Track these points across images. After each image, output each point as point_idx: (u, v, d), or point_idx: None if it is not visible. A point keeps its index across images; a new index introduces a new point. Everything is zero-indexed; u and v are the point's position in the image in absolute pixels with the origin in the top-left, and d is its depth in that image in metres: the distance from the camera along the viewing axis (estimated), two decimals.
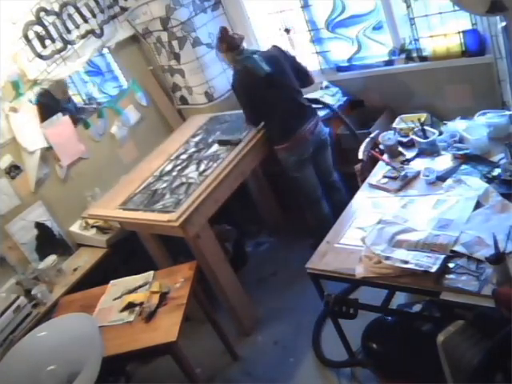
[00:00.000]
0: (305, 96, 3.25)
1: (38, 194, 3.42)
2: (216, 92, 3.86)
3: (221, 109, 3.83)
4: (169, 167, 3.37)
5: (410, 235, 2.15)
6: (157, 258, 3.44)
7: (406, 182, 2.56)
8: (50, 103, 3.48)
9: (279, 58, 3.08)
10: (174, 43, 3.69)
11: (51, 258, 3.28)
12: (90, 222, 3.45)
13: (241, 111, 3.60)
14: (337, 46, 3.51)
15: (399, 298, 2.65)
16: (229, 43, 3.05)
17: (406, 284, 2.04)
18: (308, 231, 3.38)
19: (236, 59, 3.06)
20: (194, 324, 3.23)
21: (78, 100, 4.15)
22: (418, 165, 2.63)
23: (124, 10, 3.74)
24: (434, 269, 1.94)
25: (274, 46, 3.16)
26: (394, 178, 2.60)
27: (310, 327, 3.03)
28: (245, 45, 3.11)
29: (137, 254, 3.47)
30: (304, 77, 3.20)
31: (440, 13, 2.95)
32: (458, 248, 2.00)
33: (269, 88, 2.99)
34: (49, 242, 3.43)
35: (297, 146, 3.09)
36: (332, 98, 3.49)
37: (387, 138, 2.80)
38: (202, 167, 3.16)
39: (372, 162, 2.84)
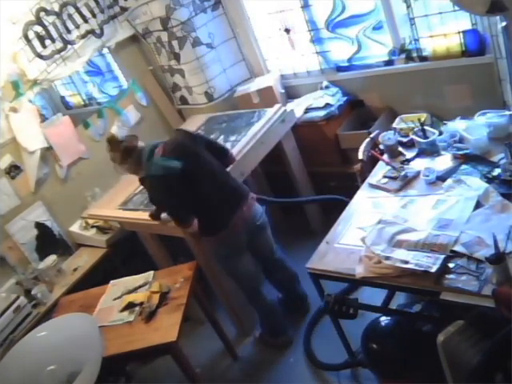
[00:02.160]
0: None
1: (38, 194, 3.42)
2: (216, 92, 3.86)
3: (221, 109, 3.83)
4: None
5: (409, 235, 2.15)
6: (157, 257, 3.44)
7: (406, 182, 2.56)
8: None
9: (186, 145, 2.62)
10: (174, 43, 3.69)
11: (51, 258, 3.28)
12: (90, 221, 3.45)
13: (241, 111, 3.61)
14: (337, 45, 3.51)
15: (399, 298, 2.65)
16: (122, 151, 2.55)
17: (406, 284, 2.04)
18: (311, 231, 3.33)
19: (138, 166, 2.57)
20: (193, 324, 3.23)
21: (77, 100, 4.17)
22: (418, 165, 2.63)
23: (124, 9, 3.74)
24: (433, 269, 1.94)
25: (178, 130, 2.81)
26: (394, 178, 2.60)
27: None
28: (141, 143, 2.61)
29: (137, 254, 3.48)
30: (222, 156, 2.76)
31: (440, 13, 2.95)
32: (457, 248, 2.00)
33: (190, 183, 2.52)
34: (49, 242, 3.44)
35: (229, 238, 2.68)
36: (332, 97, 3.49)
37: (387, 137, 2.80)
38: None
39: (372, 161, 2.84)
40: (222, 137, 3.40)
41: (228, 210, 2.66)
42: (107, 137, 2.67)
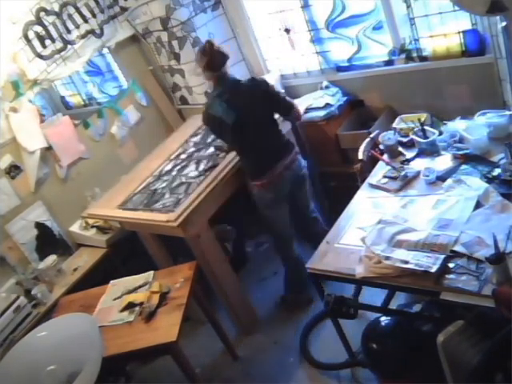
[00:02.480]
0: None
1: (38, 194, 3.42)
2: None
3: None
4: (168, 167, 3.37)
5: (409, 235, 2.15)
6: (157, 257, 3.44)
7: (406, 182, 2.56)
8: None
9: (250, 97, 2.79)
10: (174, 43, 3.69)
11: (51, 258, 3.28)
12: (90, 221, 3.45)
13: None
14: (337, 45, 3.51)
15: (399, 298, 2.65)
16: (208, 61, 2.70)
17: (406, 284, 2.04)
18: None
19: (212, 92, 2.83)
20: (193, 324, 3.23)
21: (77, 100, 4.17)
22: (418, 165, 2.63)
23: (124, 9, 3.74)
24: (433, 269, 1.94)
25: (252, 79, 2.91)
26: (394, 178, 2.60)
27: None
28: (227, 68, 2.78)
29: (137, 254, 3.48)
30: (287, 111, 2.96)
31: (440, 13, 2.95)
32: (458, 248, 2.00)
33: (239, 132, 2.78)
34: (49, 242, 3.44)
35: (273, 184, 2.88)
36: (332, 97, 3.49)
37: (387, 137, 2.80)
38: (202, 167, 3.16)
39: (372, 161, 2.84)
40: None
41: (273, 158, 2.86)
42: (208, 40, 2.83)
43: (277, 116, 2.97)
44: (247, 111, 2.77)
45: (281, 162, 2.87)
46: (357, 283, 2.21)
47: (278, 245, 3.17)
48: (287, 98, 2.98)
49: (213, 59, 2.70)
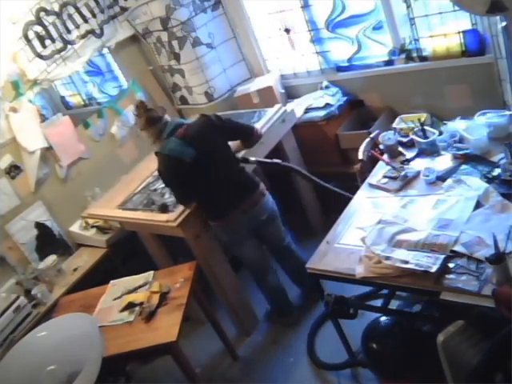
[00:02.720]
0: (239, 155, 2.90)
1: (38, 194, 3.42)
2: (216, 92, 3.86)
3: (221, 109, 3.83)
4: None
5: (409, 235, 2.15)
6: (157, 257, 3.44)
7: (406, 182, 2.56)
8: None
9: (205, 132, 2.67)
10: (174, 43, 3.69)
11: (51, 258, 3.28)
12: (90, 221, 3.45)
13: (241, 111, 3.61)
14: (337, 45, 3.51)
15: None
16: (147, 119, 2.65)
17: (406, 284, 2.03)
18: (311, 231, 3.36)
19: (158, 138, 2.66)
20: (193, 324, 3.23)
21: (77, 100, 4.17)
22: (418, 165, 2.63)
23: (124, 9, 3.74)
24: (433, 269, 1.94)
25: (203, 116, 2.75)
26: (394, 178, 2.60)
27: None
28: (167, 117, 2.73)
29: (137, 254, 3.48)
30: (247, 137, 2.84)
31: (440, 13, 2.95)
32: (458, 248, 2.00)
33: (198, 171, 2.62)
34: (49, 242, 3.43)
35: (229, 226, 2.79)
36: (332, 97, 3.49)
37: (387, 137, 2.80)
38: None
39: (372, 161, 2.84)
40: None
41: (231, 201, 2.73)
42: (136, 102, 2.79)
43: (236, 148, 2.86)
44: (207, 149, 2.64)
45: (238, 206, 2.73)
46: (357, 283, 2.21)
47: (253, 277, 3.08)
48: (244, 124, 2.92)
49: (149, 116, 2.66)
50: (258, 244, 2.98)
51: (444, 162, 2.57)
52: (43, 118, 3.47)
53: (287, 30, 3.68)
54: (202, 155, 2.60)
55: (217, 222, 2.80)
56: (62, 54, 3.44)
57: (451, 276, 1.93)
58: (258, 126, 3.03)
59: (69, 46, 3.46)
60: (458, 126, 2.67)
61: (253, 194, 2.78)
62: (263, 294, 3.14)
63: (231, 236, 2.86)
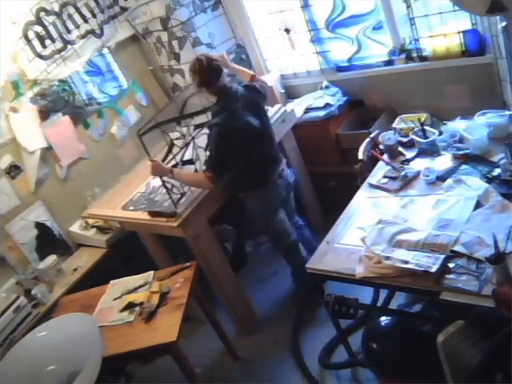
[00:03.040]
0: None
1: (38, 194, 3.41)
2: None
3: None
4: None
5: (409, 235, 2.15)
6: (157, 258, 3.44)
7: (406, 182, 2.56)
8: None
9: (260, 103, 2.82)
10: (174, 43, 3.69)
11: (51, 258, 3.28)
12: (90, 221, 3.45)
13: None
14: (337, 45, 3.51)
15: (399, 298, 2.66)
16: (205, 77, 2.58)
17: (406, 284, 2.04)
18: (311, 231, 3.36)
19: (217, 104, 2.65)
20: (194, 324, 3.23)
21: (77, 100, 4.16)
22: (418, 165, 2.63)
23: (124, 9, 3.74)
24: (433, 269, 1.94)
25: (248, 86, 2.80)
26: (394, 178, 2.60)
27: (310, 327, 3.04)
28: (227, 78, 2.69)
29: (137, 254, 3.48)
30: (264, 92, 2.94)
31: (440, 13, 2.95)
32: (458, 248, 2.00)
33: (261, 140, 2.75)
34: (49, 241, 3.43)
35: (272, 192, 2.89)
36: (332, 97, 3.49)
37: (387, 137, 2.80)
38: (203, 167, 3.15)
39: (372, 161, 2.84)
40: None
41: (270, 168, 2.88)
42: (197, 57, 2.64)
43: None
44: (263, 119, 2.79)
45: (276, 171, 2.89)
46: (357, 283, 2.21)
47: (284, 249, 3.13)
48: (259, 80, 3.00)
49: (205, 76, 2.59)
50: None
51: (444, 161, 2.57)
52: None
53: (287, 30, 3.68)
54: (263, 126, 2.76)
55: (258, 190, 2.86)
56: (62, 54, 3.43)
57: (451, 276, 1.93)
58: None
59: (69, 46, 3.46)
60: (458, 126, 2.67)
61: (282, 160, 2.98)
62: (296, 266, 3.14)
63: (269, 203, 2.90)
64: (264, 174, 2.86)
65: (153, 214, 2.88)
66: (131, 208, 3.12)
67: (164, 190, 3.09)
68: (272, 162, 2.89)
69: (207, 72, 2.58)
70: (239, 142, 2.64)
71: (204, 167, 2.74)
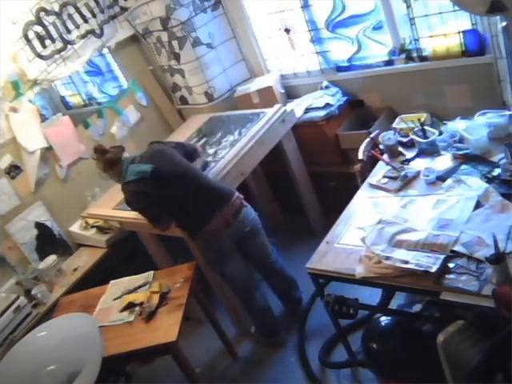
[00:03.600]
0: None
1: (38, 194, 3.42)
2: (216, 92, 3.86)
3: (221, 109, 3.83)
4: None
5: (409, 235, 2.15)
6: (157, 257, 3.44)
7: (406, 182, 2.56)
8: None
9: (160, 151, 2.74)
10: (174, 43, 3.69)
11: (51, 258, 3.28)
12: (90, 221, 3.45)
13: (241, 111, 3.60)
14: (337, 45, 3.51)
15: (399, 298, 2.65)
16: (106, 161, 2.72)
17: (406, 284, 2.03)
18: (311, 231, 3.35)
19: (120, 177, 2.70)
20: (193, 324, 3.23)
21: (77, 100, 4.17)
22: (418, 165, 2.63)
23: (124, 9, 3.74)
24: (433, 269, 1.94)
25: (153, 143, 2.83)
26: (394, 178, 2.60)
27: (310, 327, 3.04)
28: (126, 154, 2.80)
29: (137, 254, 3.48)
30: (193, 155, 2.89)
31: (440, 13, 2.95)
32: (458, 248, 2.00)
33: (162, 186, 2.59)
34: (49, 241, 3.43)
35: (212, 240, 2.67)
36: (332, 97, 3.49)
37: (387, 137, 2.80)
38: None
39: (372, 161, 2.84)
40: (221, 137, 3.40)
41: (207, 212, 2.64)
42: (94, 145, 2.83)
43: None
44: (162, 161, 2.66)
45: (215, 215, 2.63)
46: (357, 283, 2.21)
47: (240, 298, 2.95)
48: (188, 144, 3.05)
49: (107, 159, 2.73)
50: (245, 262, 2.86)
51: (444, 161, 2.57)
52: (43, 118, 3.47)
53: (287, 30, 3.68)
54: (161, 167, 2.62)
55: (200, 236, 2.66)
56: (62, 53, 3.44)
57: (451, 276, 1.93)
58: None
59: (69, 46, 3.46)
60: (458, 126, 2.67)
61: (229, 201, 2.69)
62: (250, 315, 3.02)
63: (217, 252, 2.71)
64: (199, 218, 2.64)
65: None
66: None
67: None
68: (204, 203, 2.64)
69: (106, 157, 2.74)
70: (139, 192, 2.61)
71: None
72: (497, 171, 2.31)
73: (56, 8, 3.37)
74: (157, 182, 2.59)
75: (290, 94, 3.84)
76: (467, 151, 2.51)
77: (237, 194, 2.77)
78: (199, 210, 2.65)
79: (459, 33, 2.94)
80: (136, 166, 2.64)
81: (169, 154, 2.72)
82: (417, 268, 1.98)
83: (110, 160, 2.72)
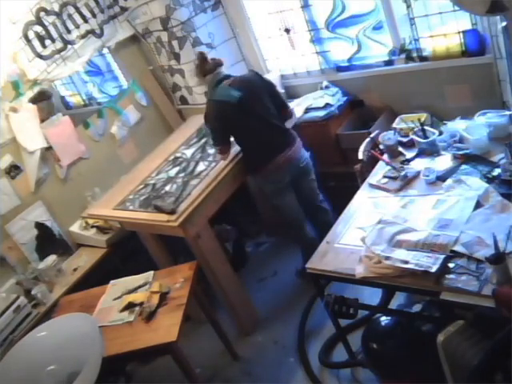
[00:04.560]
0: None
1: (38, 194, 3.42)
2: None
3: None
4: (168, 167, 3.37)
5: (409, 235, 2.15)
6: (157, 257, 3.44)
7: (406, 182, 2.56)
8: None
9: (254, 83, 2.94)
10: (174, 43, 3.69)
11: (51, 258, 3.28)
12: (90, 221, 3.45)
13: None
14: (337, 45, 3.51)
15: (399, 298, 2.66)
16: (203, 69, 2.99)
17: (406, 284, 2.04)
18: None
19: (211, 86, 2.96)
20: (193, 324, 3.23)
21: (77, 100, 4.17)
22: (418, 165, 2.64)
23: (124, 9, 3.74)
24: (433, 269, 1.94)
25: (251, 71, 3.12)
26: (394, 178, 2.60)
27: (310, 327, 3.04)
28: (223, 69, 3.01)
29: (137, 254, 3.48)
30: (279, 108, 3.02)
31: (440, 13, 2.95)
32: (458, 248, 2.00)
33: (243, 114, 2.86)
34: (49, 242, 3.43)
35: (272, 174, 2.97)
36: (332, 97, 3.49)
37: (387, 138, 2.80)
38: (202, 167, 3.16)
39: (372, 161, 2.84)
40: None
41: (273, 149, 2.94)
42: (199, 51, 3.15)
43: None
44: (252, 95, 2.88)
45: (282, 153, 2.93)
46: (357, 283, 2.21)
47: (289, 230, 3.23)
48: (281, 97, 3.13)
49: (209, 66, 2.97)
50: (296, 196, 3.13)
51: (444, 161, 2.57)
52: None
53: (287, 30, 3.67)
54: (247, 98, 2.85)
55: (261, 171, 2.97)
56: (62, 53, 3.44)
57: (451, 276, 1.93)
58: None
59: (69, 46, 3.46)
60: (457, 126, 2.67)
61: (293, 144, 3.00)
62: (301, 247, 3.23)
63: (275, 186, 3.01)
64: (265, 157, 2.93)
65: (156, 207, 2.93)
66: (130, 207, 3.12)
67: (164, 190, 3.11)
68: (273, 142, 2.93)
69: (208, 61, 3.00)
70: (218, 115, 2.88)
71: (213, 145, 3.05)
72: (497, 171, 2.31)
73: (56, 8, 3.37)
74: (240, 109, 2.84)
75: (290, 93, 3.84)
76: (467, 151, 2.51)
77: (299, 140, 3.07)
78: (269, 147, 2.93)
79: (459, 33, 2.94)
80: (226, 88, 2.87)
81: (259, 90, 2.93)
82: (417, 268, 1.98)
83: (206, 69, 2.97)
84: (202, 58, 3.00)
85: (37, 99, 3.22)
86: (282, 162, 2.93)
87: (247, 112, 2.86)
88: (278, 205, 3.11)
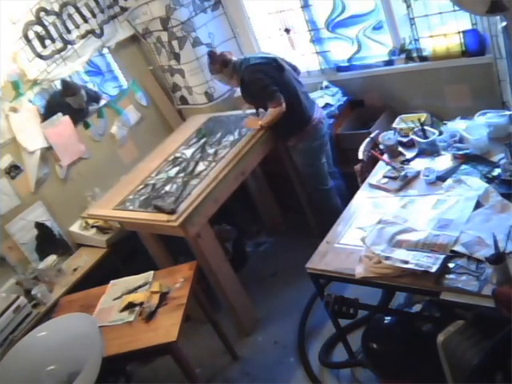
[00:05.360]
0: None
1: (38, 194, 3.41)
2: (216, 92, 3.86)
3: (221, 109, 3.84)
4: (168, 167, 3.37)
5: (409, 235, 2.15)
6: (157, 257, 3.44)
7: (406, 182, 2.56)
8: None
9: (275, 57, 3.18)
10: (174, 43, 3.69)
11: (51, 258, 3.28)
12: (90, 221, 3.45)
13: (240, 112, 3.59)
14: (337, 45, 3.51)
15: (399, 298, 2.66)
16: (221, 61, 3.15)
17: (406, 284, 2.04)
18: (310, 231, 3.36)
19: (234, 70, 3.15)
20: (194, 324, 3.23)
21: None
22: (418, 165, 2.63)
23: (124, 9, 3.74)
24: (433, 269, 1.94)
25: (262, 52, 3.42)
26: (394, 178, 2.60)
27: (310, 327, 3.04)
28: (234, 58, 3.18)
29: (137, 254, 3.48)
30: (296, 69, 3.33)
31: (440, 13, 2.95)
32: (458, 248, 2.00)
33: (282, 71, 3.10)
34: (49, 241, 3.43)
35: (317, 129, 3.18)
36: (332, 97, 3.49)
37: (387, 138, 2.80)
38: (202, 167, 3.16)
39: (372, 161, 2.84)
40: (221, 137, 3.40)
41: (310, 106, 3.19)
42: (208, 51, 3.31)
43: None
44: (280, 60, 3.15)
45: (315, 113, 3.19)
46: (357, 283, 2.21)
47: (320, 192, 3.33)
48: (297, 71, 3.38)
49: (222, 59, 3.15)
50: None
51: (444, 161, 2.57)
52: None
53: (287, 30, 3.68)
54: (278, 60, 3.14)
55: (307, 127, 3.14)
56: (62, 53, 3.44)
57: (451, 276, 1.93)
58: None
59: (69, 46, 3.46)
60: (457, 126, 2.67)
61: (317, 107, 3.27)
62: (328, 210, 3.24)
63: (320, 140, 3.21)
64: (309, 112, 3.15)
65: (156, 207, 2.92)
66: (130, 207, 3.12)
67: (164, 190, 3.11)
68: (306, 99, 3.18)
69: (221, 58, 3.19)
70: (264, 70, 3.07)
71: (268, 102, 3.08)
72: (497, 171, 2.31)
73: (56, 8, 3.37)
74: (277, 67, 3.10)
75: None
76: (467, 151, 2.51)
77: None
78: (306, 104, 3.17)
79: (459, 33, 2.94)
80: (256, 57, 3.18)
81: (280, 61, 3.17)
82: (417, 268, 1.98)
83: (223, 61, 3.15)
84: (214, 53, 3.20)
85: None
86: (318, 117, 3.19)
87: (283, 70, 3.10)
88: (322, 163, 3.26)
